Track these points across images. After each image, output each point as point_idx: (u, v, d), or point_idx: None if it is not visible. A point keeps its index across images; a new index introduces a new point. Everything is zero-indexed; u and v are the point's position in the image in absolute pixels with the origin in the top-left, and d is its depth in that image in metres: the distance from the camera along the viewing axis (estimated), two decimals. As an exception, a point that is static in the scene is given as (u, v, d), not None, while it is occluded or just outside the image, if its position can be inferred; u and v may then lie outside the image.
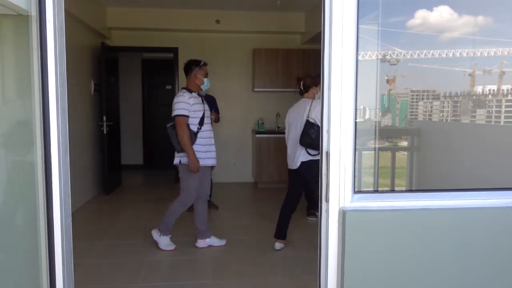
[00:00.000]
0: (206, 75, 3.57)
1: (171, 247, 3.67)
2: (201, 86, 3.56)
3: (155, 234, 3.69)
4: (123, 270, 3.23)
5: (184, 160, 3.48)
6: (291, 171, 3.70)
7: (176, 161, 3.55)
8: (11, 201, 1.66)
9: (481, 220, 1.61)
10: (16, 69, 1.59)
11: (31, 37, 1.46)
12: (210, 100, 4.87)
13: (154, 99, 8.21)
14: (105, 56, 5.81)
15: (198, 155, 3.45)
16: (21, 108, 1.59)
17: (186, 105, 3.41)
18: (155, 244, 3.68)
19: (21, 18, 1.47)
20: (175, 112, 3.43)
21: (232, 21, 6.36)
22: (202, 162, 3.50)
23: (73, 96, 4.65)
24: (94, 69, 5.79)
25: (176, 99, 3.46)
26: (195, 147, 3.45)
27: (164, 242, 3.66)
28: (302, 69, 6.50)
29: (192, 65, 3.53)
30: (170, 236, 3.70)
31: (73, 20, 4.88)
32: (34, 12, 1.44)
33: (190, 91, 3.51)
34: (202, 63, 3.56)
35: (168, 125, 3.50)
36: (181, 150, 3.46)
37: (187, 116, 3.42)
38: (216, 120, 4.80)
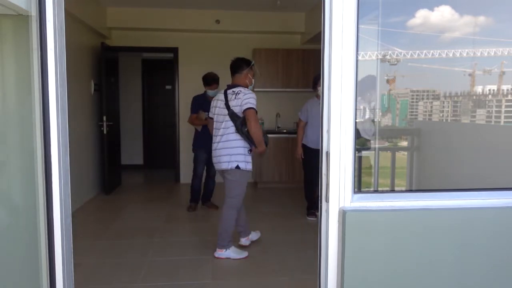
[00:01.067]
0: (253, 76, 3.58)
1: (244, 254, 3.52)
2: (249, 87, 3.53)
3: (220, 253, 3.48)
4: (123, 270, 3.22)
5: (243, 165, 3.38)
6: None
7: (232, 165, 3.37)
8: (11, 201, 1.66)
9: (481, 220, 1.61)
10: (16, 69, 1.59)
11: (31, 37, 1.46)
12: None
13: (154, 99, 8.22)
14: (105, 56, 5.81)
15: (247, 159, 3.42)
16: (21, 108, 1.59)
17: (256, 101, 3.36)
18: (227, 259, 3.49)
19: (21, 18, 1.47)
20: (249, 105, 3.28)
21: (232, 21, 6.36)
22: (250, 167, 3.46)
23: (73, 96, 4.65)
24: (94, 69, 5.79)
25: (244, 96, 3.31)
26: (247, 150, 3.43)
27: (234, 252, 3.50)
28: (302, 69, 6.51)
29: (243, 64, 3.49)
30: (233, 245, 3.55)
31: (73, 20, 4.88)
32: (34, 12, 1.44)
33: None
34: (252, 63, 3.54)
35: (246, 129, 3.34)
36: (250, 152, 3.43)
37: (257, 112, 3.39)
38: None
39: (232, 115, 3.34)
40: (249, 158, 3.43)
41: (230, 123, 3.36)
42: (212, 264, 3.40)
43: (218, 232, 3.55)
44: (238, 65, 3.50)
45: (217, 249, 3.51)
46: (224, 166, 3.40)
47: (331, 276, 1.58)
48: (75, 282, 1.62)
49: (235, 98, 3.35)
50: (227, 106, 3.38)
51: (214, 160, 3.50)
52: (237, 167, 3.37)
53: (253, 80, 3.56)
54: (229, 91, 3.44)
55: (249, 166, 3.43)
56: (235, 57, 3.59)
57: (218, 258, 3.48)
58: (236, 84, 3.47)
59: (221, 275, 3.22)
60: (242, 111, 3.30)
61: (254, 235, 3.88)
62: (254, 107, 3.30)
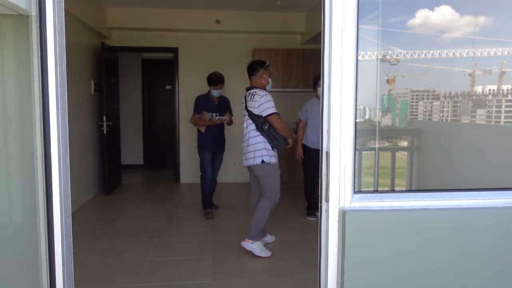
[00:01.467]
0: (270, 75, 3.73)
1: (268, 253, 3.55)
2: (266, 86, 3.68)
3: (247, 244, 3.54)
4: (123, 270, 3.22)
5: (267, 159, 3.52)
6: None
7: (257, 160, 3.52)
8: (11, 201, 1.66)
9: (481, 220, 1.61)
10: (16, 69, 1.59)
11: (31, 37, 1.46)
12: (224, 102, 4.84)
13: (154, 99, 8.22)
14: (105, 56, 5.80)
15: (270, 153, 3.55)
16: (21, 108, 1.59)
17: (272, 102, 3.52)
18: (250, 253, 3.53)
19: (21, 18, 1.47)
20: (270, 111, 3.47)
21: (232, 21, 6.36)
22: (275, 160, 3.59)
23: (73, 96, 4.65)
24: (94, 69, 5.79)
25: (261, 99, 3.48)
26: (268, 145, 3.54)
27: (260, 248, 3.55)
28: (302, 69, 6.51)
29: (258, 66, 3.66)
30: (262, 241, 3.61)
31: (73, 20, 4.87)
32: (34, 12, 1.44)
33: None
34: (267, 64, 3.70)
35: (266, 127, 3.48)
36: (279, 147, 3.58)
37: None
38: (230, 122, 4.77)
39: (251, 115, 3.54)
40: (271, 153, 3.57)
41: (250, 122, 3.56)
42: (212, 264, 3.40)
43: (250, 222, 3.62)
44: (253, 68, 3.70)
45: (246, 239, 3.57)
46: (250, 162, 3.59)
47: (331, 276, 1.58)
48: (75, 282, 1.62)
49: (251, 99, 3.57)
50: (246, 107, 3.60)
51: (243, 157, 3.70)
52: (262, 161, 3.53)
53: (269, 80, 3.72)
54: (247, 93, 3.67)
55: (274, 160, 3.58)
56: (251, 60, 3.81)
57: (242, 247, 3.55)
58: (253, 86, 3.68)
59: (221, 275, 3.22)
60: (264, 117, 3.47)
61: (270, 238, 3.93)
62: (274, 110, 3.49)
